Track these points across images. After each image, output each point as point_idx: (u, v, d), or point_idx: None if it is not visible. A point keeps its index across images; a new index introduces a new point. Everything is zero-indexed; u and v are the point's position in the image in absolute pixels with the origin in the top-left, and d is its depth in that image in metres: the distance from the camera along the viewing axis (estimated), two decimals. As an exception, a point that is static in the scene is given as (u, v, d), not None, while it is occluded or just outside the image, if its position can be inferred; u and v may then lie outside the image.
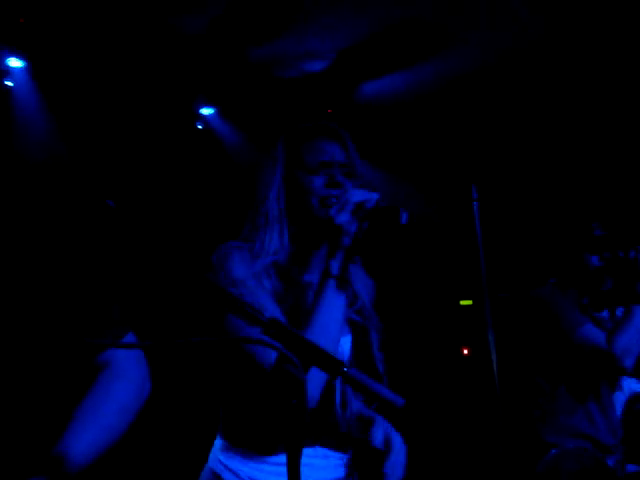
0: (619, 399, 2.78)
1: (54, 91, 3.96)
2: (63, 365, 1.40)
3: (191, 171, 4.53)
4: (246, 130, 4.79)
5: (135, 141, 4.24)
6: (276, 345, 1.06)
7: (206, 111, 4.70)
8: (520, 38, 4.04)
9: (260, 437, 1.60)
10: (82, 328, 1.36)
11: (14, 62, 3.83)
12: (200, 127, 4.73)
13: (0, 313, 1.31)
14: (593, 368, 2.60)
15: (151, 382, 1.48)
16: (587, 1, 3.67)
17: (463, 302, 5.38)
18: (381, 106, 4.82)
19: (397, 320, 1.79)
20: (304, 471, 1.06)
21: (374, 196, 1.52)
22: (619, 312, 2.78)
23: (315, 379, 1.51)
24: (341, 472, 1.67)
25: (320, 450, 1.62)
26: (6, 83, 3.86)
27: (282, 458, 1.56)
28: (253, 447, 1.60)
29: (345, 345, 1.67)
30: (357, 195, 1.53)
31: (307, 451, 1.56)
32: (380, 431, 1.64)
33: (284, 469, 1.05)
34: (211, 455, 1.71)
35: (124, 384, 1.42)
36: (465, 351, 5.34)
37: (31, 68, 3.86)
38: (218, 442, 1.69)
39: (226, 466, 1.63)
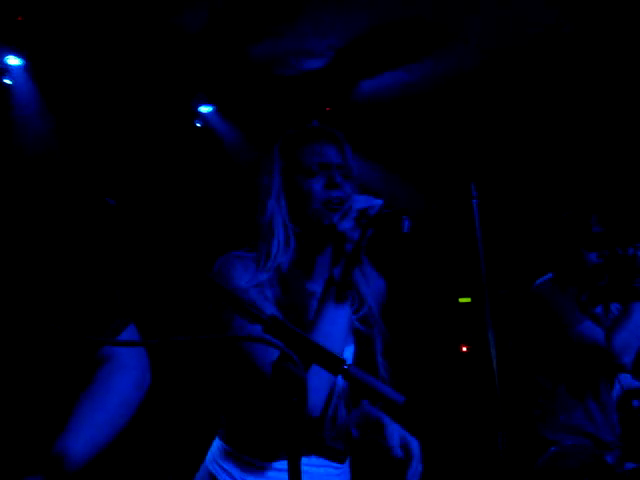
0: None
1: (53, 89, 3.96)
2: (64, 359, 1.40)
3: (189, 169, 4.53)
4: (244, 128, 4.79)
5: (134, 139, 4.23)
6: (277, 343, 1.07)
7: (205, 109, 4.70)
8: (519, 37, 4.04)
9: (260, 443, 1.59)
10: (83, 321, 1.36)
11: (13, 60, 3.83)
12: (199, 125, 4.73)
13: (0, 308, 1.31)
14: (592, 365, 2.61)
15: (151, 375, 1.48)
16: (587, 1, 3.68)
17: (462, 299, 5.38)
18: (380, 104, 4.82)
19: (396, 318, 1.78)
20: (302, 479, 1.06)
21: (377, 202, 1.52)
22: (613, 308, 2.79)
23: (319, 389, 1.51)
24: None
25: (316, 460, 1.62)
26: (5, 81, 3.86)
27: (282, 464, 1.57)
28: (253, 453, 1.60)
29: (347, 354, 1.66)
30: (360, 202, 1.52)
31: (303, 460, 1.55)
32: (397, 437, 1.64)
33: (283, 475, 1.04)
34: (208, 455, 1.70)
35: (124, 378, 1.42)
36: (464, 348, 5.35)
37: (30, 66, 3.86)
38: (217, 444, 1.69)
39: (224, 469, 1.63)
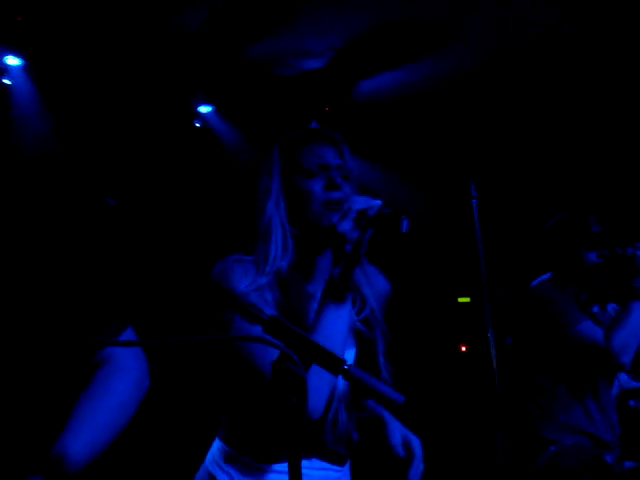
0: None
1: (52, 89, 3.96)
2: (62, 362, 1.40)
3: (189, 169, 4.53)
4: (243, 128, 4.79)
5: (133, 139, 4.23)
6: (277, 343, 1.07)
7: (204, 109, 4.70)
8: (519, 37, 4.04)
9: (261, 445, 1.59)
10: (81, 324, 1.36)
11: (12, 60, 3.83)
12: (198, 125, 4.74)
13: None
14: (591, 365, 2.61)
15: (150, 378, 1.49)
16: (585, 1, 3.68)
17: (461, 299, 5.38)
18: (379, 104, 4.82)
19: (395, 318, 1.78)
20: None
21: (377, 203, 1.52)
22: (610, 308, 2.79)
23: (320, 390, 1.51)
24: None
25: (316, 462, 1.62)
26: (4, 81, 3.86)
27: (282, 467, 1.57)
28: (253, 455, 1.60)
29: (349, 357, 1.65)
30: (360, 202, 1.53)
31: (303, 463, 1.55)
32: (398, 436, 1.64)
33: (284, 477, 1.05)
34: (208, 456, 1.70)
35: (123, 380, 1.42)
36: (463, 348, 5.35)
37: (29, 66, 3.86)
38: (217, 445, 1.69)
39: (224, 470, 1.63)
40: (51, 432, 1.31)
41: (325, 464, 1.64)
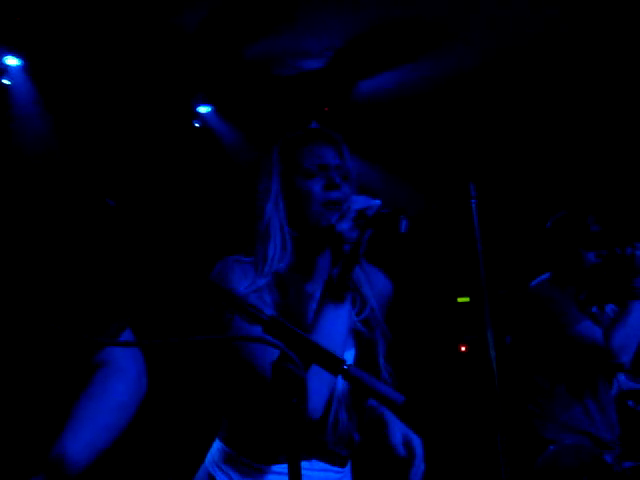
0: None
1: (51, 89, 3.95)
2: (60, 363, 1.40)
3: (188, 169, 4.52)
4: (243, 128, 4.79)
5: (132, 139, 4.23)
6: (276, 343, 1.07)
7: (203, 109, 4.70)
8: (519, 37, 4.04)
9: (260, 446, 1.59)
10: (80, 325, 1.36)
11: (11, 60, 3.83)
12: (197, 125, 4.73)
13: None
14: (591, 364, 2.61)
15: (148, 379, 1.49)
16: (585, 1, 3.68)
17: (460, 299, 5.38)
18: (378, 104, 4.82)
19: (395, 318, 1.78)
20: None
21: (376, 203, 1.52)
22: (608, 309, 2.79)
23: (320, 390, 1.51)
24: None
25: (317, 464, 1.62)
26: (3, 81, 3.86)
27: (282, 468, 1.56)
28: (253, 456, 1.60)
29: (348, 357, 1.65)
30: (359, 202, 1.53)
31: (304, 464, 1.55)
32: (399, 435, 1.64)
33: (284, 479, 1.05)
34: (208, 457, 1.70)
35: (122, 382, 1.42)
36: (463, 348, 5.36)
37: (28, 66, 3.86)
38: (217, 445, 1.69)
39: (224, 471, 1.63)
40: (51, 433, 1.31)
41: (325, 465, 1.63)
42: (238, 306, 1.14)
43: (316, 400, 1.51)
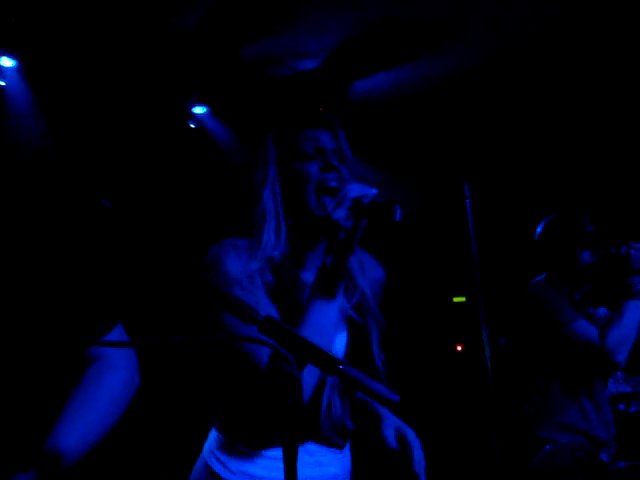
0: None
1: (46, 90, 3.95)
2: (52, 358, 1.40)
3: (183, 170, 4.52)
4: (238, 129, 4.79)
5: (127, 140, 4.23)
6: (272, 344, 1.07)
7: (198, 110, 4.70)
8: (514, 38, 4.04)
9: (256, 432, 1.60)
10: (70, 321, 1.37)
11: (6, 62, 3.81)
12: (193, 126, 4.73)
13: None
14: (586, 363, 2.62)
15: (140, 374, 1.49)
16: (585, 1, 3.68)
17: (456, 299, 5.39)
18: (373, 104, 4.83)
19: (391, 318, 1.78)
20: (298, 468, 1.06)
21: (372, 192, 1.52)
22: (601, 310, 2.79)
23: (307, 378, 1.51)
24: (336, 469, 1.67)
25: (312, 446, 1.62)
26: (-2, 83, 3.85)
27: (276, 452, 1.57)
28: (249, 442, 1.60)
29: (340, 343, 1.66)
30: (355, 190, 1.53)
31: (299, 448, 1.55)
32: (391, 429, 1.64)
33: (279, 464, 1.05)
34: (205, 447, 1.70)
35: (114, 376, 1.43)
36: (459, 348, 5.36)
37: (23, 67, 3.85)
38: (213, 435, 1.69)
39: (220, 460, 1.63)
40: (43, 427, 1.32)
41: (321, 447, 1.63)
42: (234, 307, 1.15)
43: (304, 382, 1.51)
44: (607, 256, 2.64)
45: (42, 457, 1.27)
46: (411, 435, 1.64)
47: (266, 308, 1.55)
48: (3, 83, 3.85)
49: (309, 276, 1.64)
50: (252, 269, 1.58)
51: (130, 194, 4.11)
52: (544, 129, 4.85)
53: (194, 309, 1.63)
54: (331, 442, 1.65)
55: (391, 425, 1.66)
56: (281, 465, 1.06)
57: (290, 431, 1.03)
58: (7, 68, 3.83)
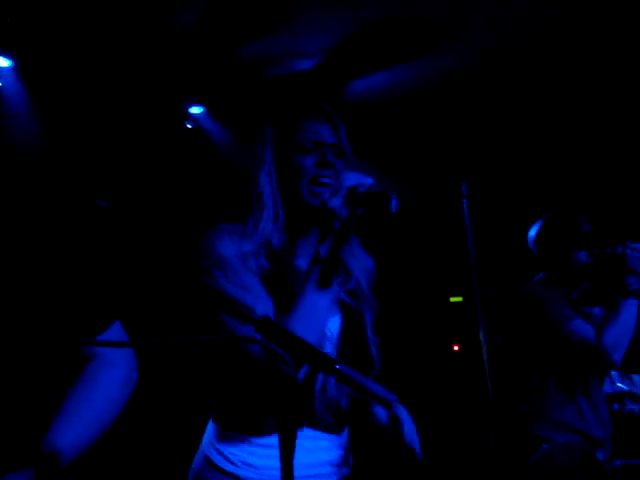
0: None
1: (42, 90, 3.94)
2: (50, 356, 1.40)
3: (180, 170, 4.52)
4: (235, 129, 4.79)
5: (124, 140, 4.22)
6: (269, 344, 1.07)
7: (195, 110, 4.69)
8: (514, 38, 4.04)
9: (253, 420, 1.59)
10: (68, 319, 1.36)
11: (1, 61, 3.81)
12: (189, 126, 4.72)
13: None
14: (582, 362, 2.62)
15: (139, 371, 1.49)
16: (584, 1, 3.68)
17: (453, 299, 5.40)
18: (371, 104, 4.83)
19: (387, 318, 1.78)
20: (295, 453, 1.06)
21: (367, 181, 1.52)
22: (597, 310, 2.80)
23: None
24: (333, 454, 1.66)
25: (308, 432, 1.62)
26: (-6, 83, 3.84)
27: (275, 440, 1.58)
28: (246, 430, 1.60)
29: (333, 325, 1.66)
30: (351, 179, 1.53)
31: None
32: (382, 410, 1.65)
33: (277, 451, 1.05)
34: (204, 440, 1.70)
35: (112, 374, 1.43)
36: (456, 348, 5.37)
37: (19, 67, 3.85)
38: (211, 427, 1.69)
39: (219, 451, 1.62)
40: (40, 426, 1.32)
41: (318, 433, 1.63)
42: (231, 306, 1.15)
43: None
44: (603, 256, 2.65)
45: (39, 455, 1.27)
46: (402, 411, 1.64)
47: (258, 293, 1.55)
48: (-1, 83, 3.85)
49: (303, 263, 1.64)
50: (245, 250, 1.58)
51: (126, 194, 4.11)
52: (542, 129, 4.85)
53: (192, 307, 1.63)
54: (326, 425, 1.64)
55: (382, 409, 1.66)
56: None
57: (287, 418, 1.03)
58: (3, 68, 3.83)
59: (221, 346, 1.65)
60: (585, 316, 2.68)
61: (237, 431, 1.61)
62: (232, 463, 1.60)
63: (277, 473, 1.06)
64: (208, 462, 1.64)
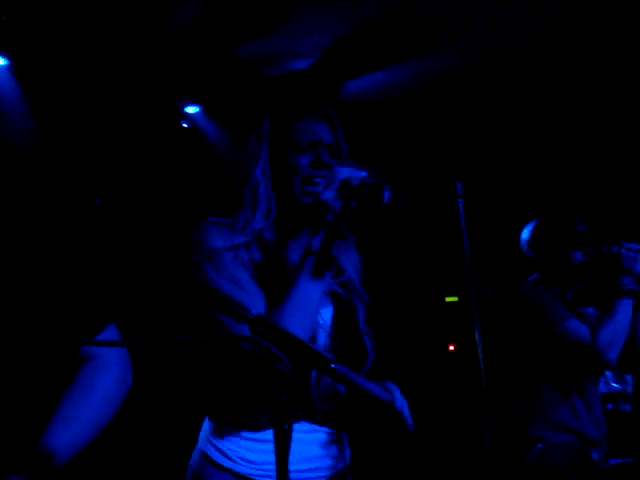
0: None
1: (37, 89, 3.93)
2: (46, 358, 1.40)
3: (176, 170, 4.51)
4: (231, 128, 4.78)
5: (119, 139, 4.21)
6: (263, 343, 1.07)
7: (191, 110, 4.69)
8: (514, 38, 4.04)
9: (248, 415, 1.59)
10: (63, 320, 1.36)
11: (-3, 60, 3.80)
12: (185, 126, 4.72)
13: None
14: (577, 362, 2.63)
15: (134, 369, 1.49)
16: (584, 1, 3.68)
17: (449, 299, 5.40)
18: (367, 104, 4.83)
19: (381, 316, 1.79)
20: (291, 447, 1.06)
21: (361, 174, 1.53)
22: (591, 310, 2.80)
23: None
24: (331, 448, 1.66)
25: (304, 425, 1.61)
26: (-11, 82, 3.83)
27: (270, 434, 1.58)
28: (241, 426, 1.60)
29: (326, 315, 1.66)
30: (344, 172, 1.54)
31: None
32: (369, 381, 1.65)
33: (271, 445, 1.05)
34: (201, 437, 1.70)
35: (107, 376, 1.43)
36: (451, 347, 5.37)
37: (14, 66, 3.84)
38: (207, 424, 1.69)
39: (216, 447, 1.62)
40: (36, 427, 1.31)
41: (315, 426, 1.63)
42: (226, 305, 1.15)
43: None
44: (599, 256, 2.65)
45: (35, 456, 1.27)
46: (394, 389, 1.62)
47: (249, 287, 1.55)
48: (-6, 82, 3.84)
49: (295, 257, 1.64)
50: (236, 242, 1.59)
51: (122, 193, 4.10)
52: (539, 129, 4.86)
53: (185, 303, 1.63)
54: (323, 417, 1.63)
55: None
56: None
57: (281, 414, 1.03)
58: (-2, 67, 3.82)
59: (215, 343, 1.64)
60: (580, 316, 2.69)
61: (233, 426, 1.61)
62: (230, 459, 1.60)
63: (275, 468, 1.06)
64: (206, 458, 1.63)
